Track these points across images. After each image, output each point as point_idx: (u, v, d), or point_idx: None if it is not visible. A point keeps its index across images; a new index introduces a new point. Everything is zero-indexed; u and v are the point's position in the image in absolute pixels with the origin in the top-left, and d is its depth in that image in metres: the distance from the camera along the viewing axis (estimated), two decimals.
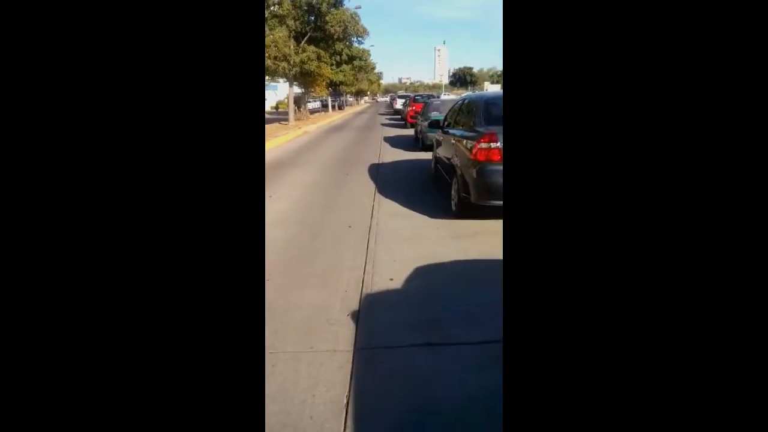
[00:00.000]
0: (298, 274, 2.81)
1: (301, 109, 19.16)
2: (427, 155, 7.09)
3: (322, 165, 7.30)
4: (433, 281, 2.65)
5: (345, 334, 2.08)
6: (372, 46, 30.59)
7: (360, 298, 2.45)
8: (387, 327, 2.13)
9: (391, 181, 5.84)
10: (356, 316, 2.25)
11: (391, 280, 2.68)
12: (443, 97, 15.53)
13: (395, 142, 10.62)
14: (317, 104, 32.07)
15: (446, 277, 2.72)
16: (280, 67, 14.28)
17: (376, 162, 7.50)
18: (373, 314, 2.27)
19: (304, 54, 14.61)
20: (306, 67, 14.82)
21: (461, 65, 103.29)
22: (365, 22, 16.58)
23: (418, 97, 15.21)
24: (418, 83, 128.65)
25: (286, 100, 28.58)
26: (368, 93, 58.44)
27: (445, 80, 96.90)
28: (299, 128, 14.10)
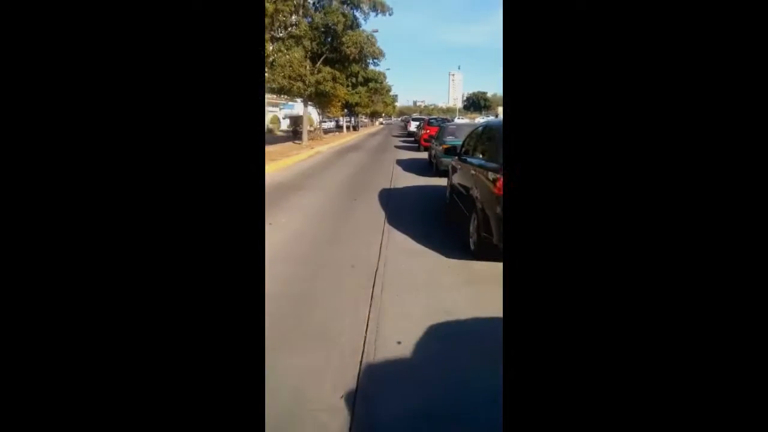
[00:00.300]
0: (284, 331, 2.32)
1: (315, 129, 19.03)
2: (442, 181, 6.67)
3: (329, 189, 6.91)
4: (450, 349, 2.14)
5: (335, 428, 1.59)
6: (388, 69, 30.80)
7: (359, 371, 1.95)
8: (392, 420, 1.63)
9: (402, 210, 5.40)
10: (352, 400, 1.75)
11: (399, 343, 2.18)
12: (458, 120, 15.25)
13: (408, 165, 10.24)
14: (332, 124, 32.23)
15: (466, 343, 2.21)
16: (294, 87, 14.19)
17: (387, 187, 7.08)
18: (375, 398, 1.76)
19: (320, 75, 14.52)
20: (321, 87, 14.71)
21: (475, 89, 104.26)
22: (381, 45, 16.54)
23: (432, 120, 14.89)
24: (433, 106, 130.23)
25: (311, 120, 29.09)
26: (383, 114, 59.06)
27: (459, 104, 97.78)
28: (312, 148, 13.87)
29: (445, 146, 7.53)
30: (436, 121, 14.63)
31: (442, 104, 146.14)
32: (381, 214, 5.16)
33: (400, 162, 11.07)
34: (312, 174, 8.68)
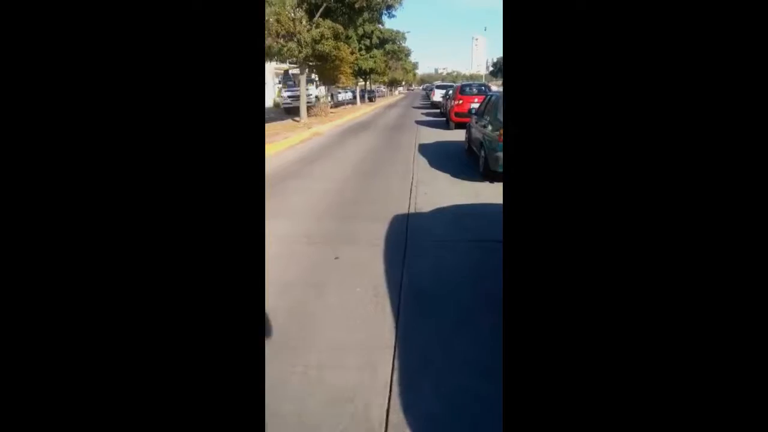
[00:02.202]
0: None
1: (319, 103, 15.78)
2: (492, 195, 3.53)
3: (299, 221, 3.86)
4: None
5: None
6: (408, 32, 26.85)
7: None
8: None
9: (434, 286, 2.30)
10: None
11: None
12: (495, 88, 11.67)
13: (437, 156, 7.03)
14: (348, 95, 28.67)
15: None
16: (286, 48, 10.93)
17: (404, 211, 3.99)
18: None
19: (317, 30, 11.15)
20: (320, 48, 11.38)
21: (500, 55, 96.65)
22: (400, 13, 12.79)
23: (467, 87, 11.30)
24: (456, 73, 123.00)
25: (326, 91, 25.51)
26: (403, 83, 54.69)
27: (483, 70, 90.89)
28: (309, 128, 10.76)
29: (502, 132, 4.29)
30: (473, 88, 11.09)
31: (465, 71, 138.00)
32: (387, 312, 2.13)
33: (424, 150, 7.81)
34: (282, 181, 5.63)
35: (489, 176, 5.08)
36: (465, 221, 3.62)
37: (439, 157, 6.88)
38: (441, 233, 3.35)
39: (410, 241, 3.18)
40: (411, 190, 4.81)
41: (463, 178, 5.30)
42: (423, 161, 6.56)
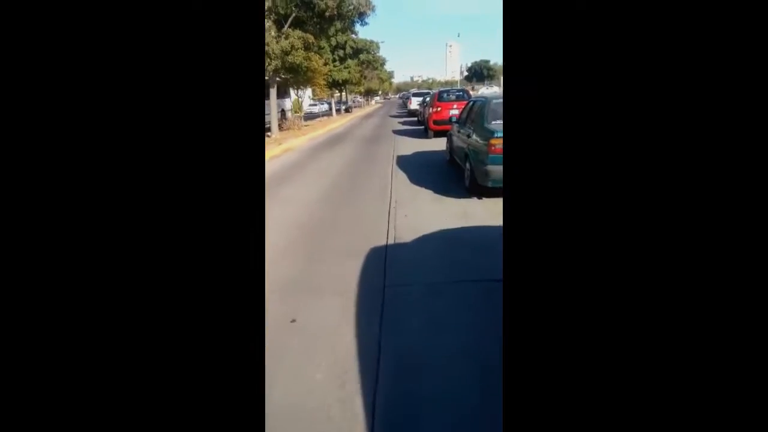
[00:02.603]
0: None
1: (290, 116, 15.10)
2: (491, 216, 2.94)
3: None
4: None
5: None
6: (382, 41, 26.49)
7: None
8: None
9: (425, 364, 1.66)
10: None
11: None
12: (484, 91, 11.23)
13: (415, 166, 6.47)
14: (325, 107, 27.99)
15: None
16: None
17: (382, 241, 3.36)
18: None
19: (287, 42, 10.54)
20: (290, 59, 10.76)
21: (475, 59, 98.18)
22: (373, 22, 12.36)
23: (444, 94, 10.76)
24: (431, 80, 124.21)
25: (294, 103, 24.80)
26: (379, 92, 54.58)
27: (458, 76, 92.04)
28: (280, 144, 10.08)
29: (496, 142, 3.79)
30: (451, 94, 10.61)
31: (440, 77, 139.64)
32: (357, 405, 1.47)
33: (403, 162, 7.25)
34: None
35: (476, 191, 4.52)
36: (456, 252, 3.03)
37: (419, 170, 6.32)
38: (428, 271, 2.74)
39: (390, 288, 2.55)
40: (390, 212, 4.20)
41: (447, 195, 4.73)
42: (402, 176, 5.98)
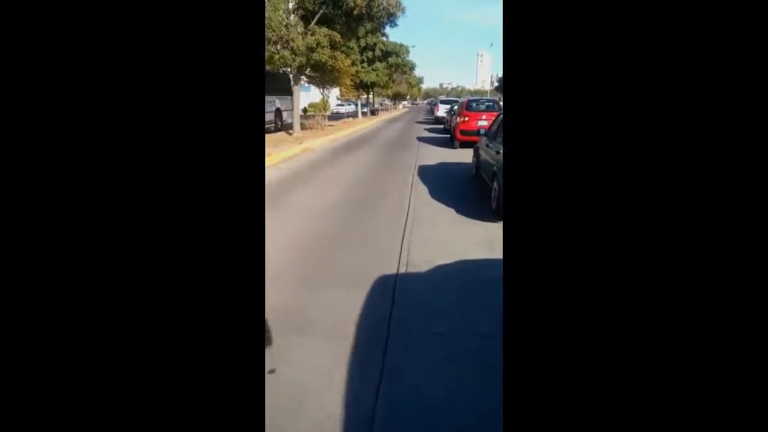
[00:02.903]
0: None
1: (316, 117, 14.82)
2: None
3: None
4: None
5: None
6: (413, 46, 26.07)
7: None
8: None
9: None
10: None
11: None
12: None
13: (437, 180, 5.98)
14: (352, 108, 27.77)
15: None
16: (277, 56, 10.01)
17: (392, 268, 2.89)
18: None
19: (312, 38, 10.24)
20: (316, 56, 10.46)
21: None
22: (405, 27, 12.03)
23: (473, 103, 10.18)
24: (461, 88, 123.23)
25: (319, 102, 24.73)
26: (407, 97, 54.25)
27: (488, 86, 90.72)
28: (300, 143, 9.77)
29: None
30: (481, 104, 10.07)
31: (469, 86, 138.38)
32: None
33: (425, 173, 6.78)
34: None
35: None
36: (477, 292, 2.54)
37: (442, 184, 5.83)
38: (442, 316, 2.26)
39: (396, 334, 2.09)
40: (405, 231, 3.74)
41: (471, 216, 4.23)
42: (422, 189, 5.51)
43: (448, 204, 4.71)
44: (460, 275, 2.81)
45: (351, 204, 4.76)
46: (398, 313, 2.29)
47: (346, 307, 2.35)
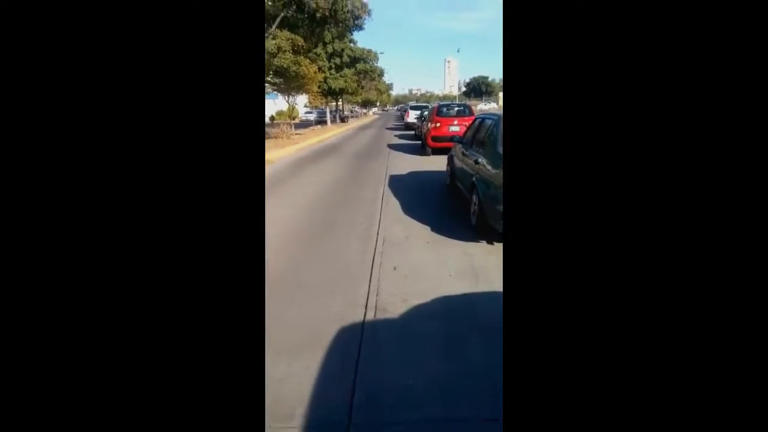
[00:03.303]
0: None
1: (281, 125, 14.05)
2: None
3: None
4: None
5: None
6: (381, 52, 25.54)
7: None
8: None
9: None
10: None
11: None
12: (482, 107, 10.32)
13: (409, 192, 5.45)
14: (318, 116, 27.02)
15: None
16: None
17: (357, 314, 2.29)
18: None
19: (273, 42, 9.59)
20: (276, 62, 9.81)
21: (473, 75, 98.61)
22: (372, 34, 11.57)
23: (444, 108, 9.72)
24: (429, 94, 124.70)
25: (286, 110, 23.83)
26: (377, 104, 54.10)
27: (456, 91, 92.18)
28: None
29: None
30: (452, 109, 9.65)
31: (438, 91, 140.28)
32: None
33: (396, 184, 6.25)
34: None
35: (486, 233, 3.51)
36: (462, 343, 1.99)
37: (415, 196, 5.31)
38: (425, 394, 1.69)
39: (358, 428, 1.50)
40: (374, 260, 3.17)
41: (448, 234, 3.71)
42: (394, 204, 4.96)
43: (422, 220, 4.18)
44: (440, 319, 2.26)
45: (313, 228, 4.15)
46: (363, 387, 1.71)
47: (296, 382, 1.75)
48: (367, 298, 2.54)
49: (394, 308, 2.41)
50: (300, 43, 10.13)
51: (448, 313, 2.33)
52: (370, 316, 2.33)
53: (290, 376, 1.80)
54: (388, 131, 18.80)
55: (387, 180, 6.45)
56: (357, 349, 2.01)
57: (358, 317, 2.31)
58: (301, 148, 11.36)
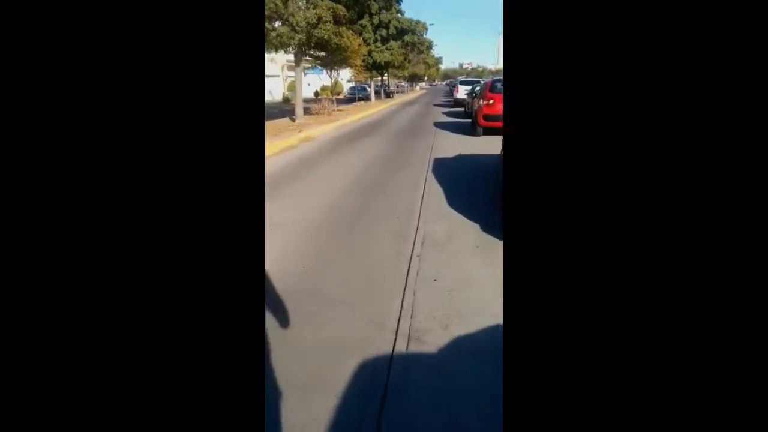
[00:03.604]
0: None
1: (323, 100, 13.63)
2: None
3: None
4: None
5: None
6: (431, 24, 24.06)
7: None
8: None
9: None
10: None
11: None
12: None
13: (456, 179, 4.82)
14: (365, 91, 26.38)
15: None
16: (273, 34, 8.87)
17: (385, 343, 1.79)
18: None
19: (313, 11, 9.04)
20: (317, 33, 9.28)
21: None
22: (421, 6, 10.63)
23: (499, 83, 8.82)
24: (481, 68, 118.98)
25: (330, 85, 23.54)
26: (425, 78, 52.25)
27: None
28: (300, 132, 8.71)
29: None
30: None
31: (491, 66, 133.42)
32: None
33: (440, 170, 5.63)
34: None
35: None
36: None
37: (462, 184, 4.68)
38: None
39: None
40: (410, 266, 2.65)
41: (502, 237, 3.10)
42: (437, 193, 4.38)
43: (470, 216, 3.58)
44: (494, 364, 1.72)
45: (341, 221, 3.69)
46: None
47: None
48: (399, 321, 2.04)
49: (433, 337, 1.90)
50: (342, 13, 9.48)
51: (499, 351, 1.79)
52: (400, 347, 1.84)
53: (303, 421, 1.36)
54: (436, 108, 17.84)
55: (431, 164, 5.84)
56: (379, 402, 1.53)
57: (385, 348, 1.83)
58: (343, 124, 10.91)
